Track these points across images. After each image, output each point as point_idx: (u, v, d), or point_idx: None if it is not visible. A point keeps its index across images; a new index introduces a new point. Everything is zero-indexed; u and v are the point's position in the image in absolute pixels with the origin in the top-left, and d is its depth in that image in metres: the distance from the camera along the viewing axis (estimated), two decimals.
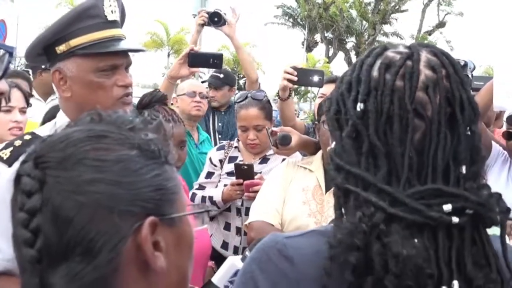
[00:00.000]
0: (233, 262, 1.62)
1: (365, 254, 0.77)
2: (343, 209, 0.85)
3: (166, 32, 29.33)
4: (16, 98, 2.44)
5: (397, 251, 0.75)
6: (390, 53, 0.89)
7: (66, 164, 0.67)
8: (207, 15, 3.13)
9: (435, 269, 0.78)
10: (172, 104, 3.07)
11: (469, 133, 0.85)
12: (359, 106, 0.85)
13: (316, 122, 2.20)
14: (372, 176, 0.82)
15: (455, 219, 0.79)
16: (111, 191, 0.66)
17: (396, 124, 0.83)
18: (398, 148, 0.82)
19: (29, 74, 4.20)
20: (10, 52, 0.66)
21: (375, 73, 0.87)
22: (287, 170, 2.21)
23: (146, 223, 0.68)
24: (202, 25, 3.19)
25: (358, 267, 0.77)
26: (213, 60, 2.36)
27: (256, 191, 2.48)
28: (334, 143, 0.91)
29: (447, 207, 0.79)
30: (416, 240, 0.77)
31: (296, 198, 2.10)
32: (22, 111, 2.46)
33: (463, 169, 0.83)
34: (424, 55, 0.88)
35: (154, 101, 1.91)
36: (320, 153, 2.21)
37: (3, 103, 2.35)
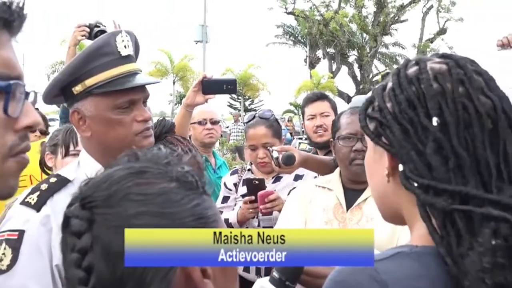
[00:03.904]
0: (262, 285, 1.61)
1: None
2: (440, 231, 0.82)
3: (170, 60, 29.60)
4: None
5: None
6: (434, 65, 0.90)
7: (112, 201, 0.69)
8: (88, 30, 3.03)
9: None
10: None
11: None
12: (435, 120, 0.85)
13: (331, 139, 2.19)
14: (476, 190, 0.80)
15: None
16: (156, 223, 0.69)
17: (476, 128, 0.83)
18: (483, 151, 0.81)
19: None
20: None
21: (434, 85, 0.87)
22: (305, 191, 2.20)
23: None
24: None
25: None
26: (227, 86, 2.36)
27: (271, 201, 2.50)
28: (394, 163, 0.89)
29: None
30: None
31: (317, 218, 2.08)
32: None
33: None
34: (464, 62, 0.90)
35: (165, 131, 1.90)
36: (337, 171, 2.19)
37: (72, 147, 2.39)
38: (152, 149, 0.78)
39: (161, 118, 2.03)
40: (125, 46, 1.51)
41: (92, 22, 3.06)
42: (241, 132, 14.83)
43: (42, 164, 2.51)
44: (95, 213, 0.69)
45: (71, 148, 2.41)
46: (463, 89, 0.86)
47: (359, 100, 3.22)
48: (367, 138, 0.98)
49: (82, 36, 3.06)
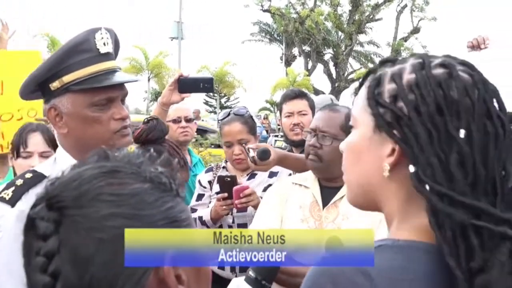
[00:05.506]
0: (238, 284, 1.60)
1: None
2: (449, 242, 0.82)
3: (145, 56, 29.33)
4: (34, 142, 2.32)
5: None
6: (463, 74, 0.88)
7: (82, 201, 0.66)
8: None
9: None
10: None
11: None
12: (463, 132, 0.83)
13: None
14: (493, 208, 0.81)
15: None
16: (128, 225, 0.65)
17: (491, 146, 0.83)
18: (494, 171, 0.82)
19: None
20: None
21: (466, 98, 0.86)
22: (282, 188, 2.19)
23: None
24: None
25: None
26: (203, 84, 2.34)
27: (247, 195, 2.49)
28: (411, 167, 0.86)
29: None
30: None
31: (293, 216, 2.08)
32: (43, 156, 2.28)
33: None
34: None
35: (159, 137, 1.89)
36: None
37: (21, 149, 2.30)
38: (123, 149, 0.75)
39: (161, 121, 2.03)
40: (104, 44, 1.49)
41: None
42: None
43: None
44: (63, 214, 0.65)
45: (21, 149, 2.31)
46: (486, 107, 0.85)
47: (322, 100, 3.31)
48: (356, 121, 0.96)
49: None
